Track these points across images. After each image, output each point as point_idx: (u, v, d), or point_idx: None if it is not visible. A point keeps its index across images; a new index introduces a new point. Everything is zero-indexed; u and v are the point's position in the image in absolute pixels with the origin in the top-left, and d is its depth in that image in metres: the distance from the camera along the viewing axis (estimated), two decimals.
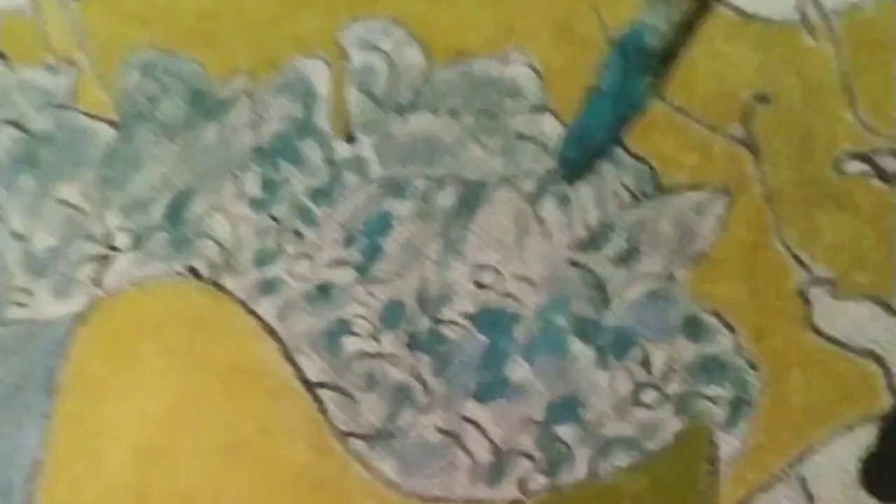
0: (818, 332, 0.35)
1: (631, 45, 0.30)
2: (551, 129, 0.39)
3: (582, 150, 0.34)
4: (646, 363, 0.36)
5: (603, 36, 0.40)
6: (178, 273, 0.37)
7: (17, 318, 0.37)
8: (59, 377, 0.36)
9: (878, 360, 0.36)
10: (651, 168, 0.39)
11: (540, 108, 0.40)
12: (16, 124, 0.41)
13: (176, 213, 0.38)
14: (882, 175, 0.38)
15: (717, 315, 0.36)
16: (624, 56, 0.31)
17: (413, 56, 0.41)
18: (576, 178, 0.36)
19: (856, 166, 0.39)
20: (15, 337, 0.36)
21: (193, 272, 0.37)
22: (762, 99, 0.40)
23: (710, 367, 0.35)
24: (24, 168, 0.39)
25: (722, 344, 0.35)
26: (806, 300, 0.36)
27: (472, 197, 0.38)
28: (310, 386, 0.36)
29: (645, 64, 0.30)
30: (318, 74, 0.41)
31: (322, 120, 0.40)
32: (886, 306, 0.36)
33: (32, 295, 0.37)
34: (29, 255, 0.37)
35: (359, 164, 0.39)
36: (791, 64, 0.40)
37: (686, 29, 0.30)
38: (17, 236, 0.38)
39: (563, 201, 0.38)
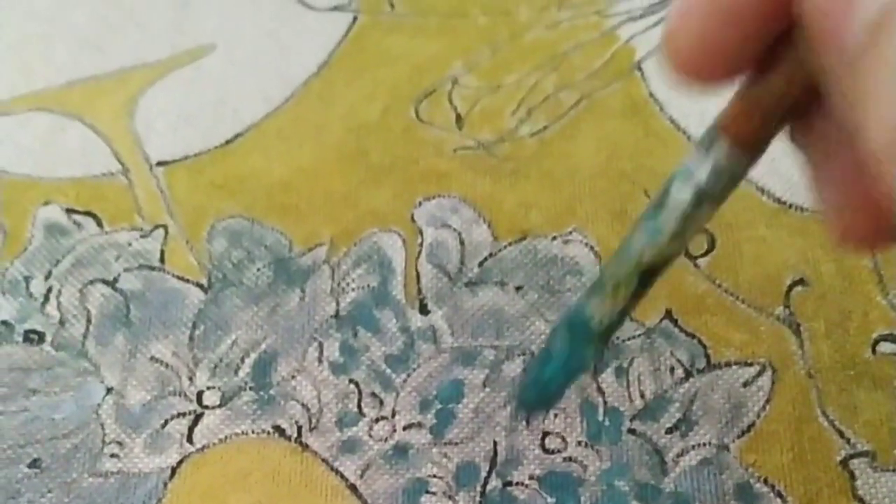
0: (862, 501, 0.39)
1: (576, 325, 0.32)
2: None
3: (537, 398, 0.36)
4: None
5: None
6: (265, 431, 0.41)
7: (112, 469, 0.40)
8: None
9: None
10: (702, 344, 0.43)
11: None
12: (108, 283, 0.44)
13: (262, 374, 0.42)
14: None
15: (767, 483, 0.40)
16: (570, 330, 0.33)
17: (481, 234, 0.46)
18: (533, 414, 0.41)
19: (889, 347, 0.43)
20: (110, 488, 0.39)
21: (279, 431, 0.41)
22: (802, 282, 0.44)
23: None
24: (118, 326, 0.43)
25: None
26: (850, 472, 0.40)
27: None
28: None
29: (588, 339, 0.32)
30: (394, 248, 0.46)
31: (398, 291, 0.44)
32: None
33: (126, 448, 0.40)
34: (122, 409, 0.41)
35: (432, 334, 0.43)
36: (828, 250, 0.45)
37: (620, 317, 0.32)
38: (111, 391, 0.41)
39: (621, 373, 0.42)
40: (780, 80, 0.26)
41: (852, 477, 0.40)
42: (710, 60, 0.26)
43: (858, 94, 0.23)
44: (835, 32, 0.22)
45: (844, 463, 0.41)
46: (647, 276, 0.30)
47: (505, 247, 0.45)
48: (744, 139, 0.28)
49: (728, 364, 0.43)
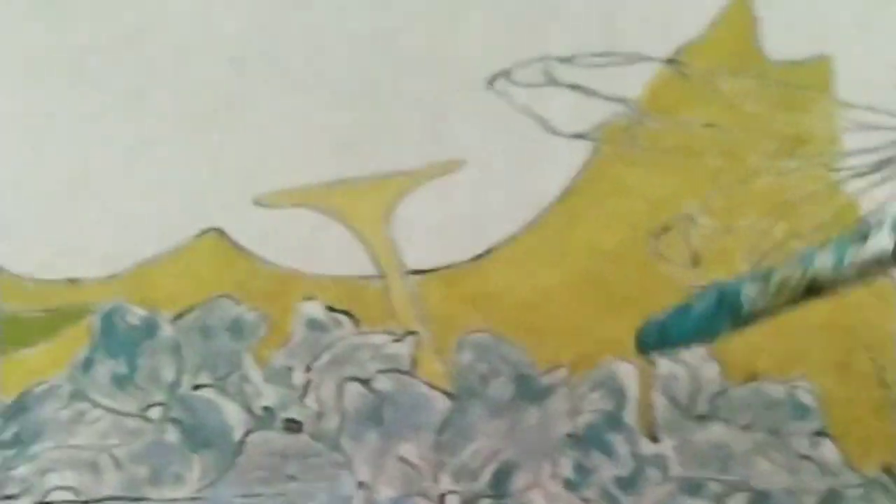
0: None
1: (728, 296, 0.35)
2: (830, 454, 0.47)
3: (657, 339, 0.41)
4: None
5: (876, 374, 0.48)
6: None
7: None
8: None
9: None
10: None
11: (821, 434, 0.48)
12: (363, 382, 0.49)
13: (500, 483, 0.46)
14: None
15: None
16: (719, 300, 0.36)
17: (711, 371, 0.49)
18: (646, 354, 0.45)
19: None
20: None
21: None
22: None
23: None
24: (370, 424, 0.47)
25: None
26: None
27: None
28: None
29: (732, 316, 0.36)
30: (629, 376, 0.50)
31: (630, 417, 0.48)
32: None
33: None
34: None
35: (661, 462, 0.47)
36: None
37: (769, 311, 0.35)
38: (363, 486, 0.46)
39: None
40: None
41: None
42: None
43: None
44: None
45: None
46: (814, 289, 0.34)
47: (734, 386, 0.49)
48: None
49: None
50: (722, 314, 0.37)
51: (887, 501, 0.45)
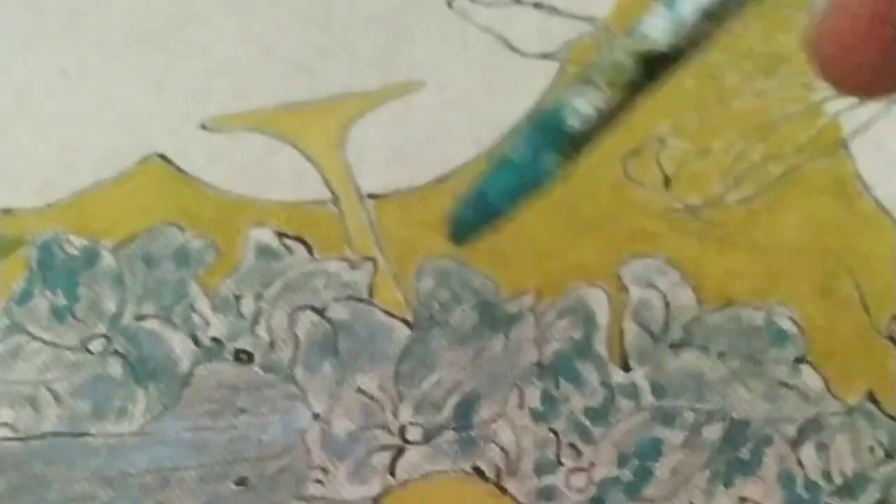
0: None
1: (549, 121, 0.28)
2: (812, 381, 0.46)
3: (476, 214, 0.31)
4: None
5: (859, 299, 0.47)
6: (465, 472, 0.43)
7: (316, 495, 0.43)
8: None
9: None
10: None
11: (801, 360, 0.46)
12: (317, 311, 0.47)
13: (464, 415, 0.44)
14: None
15: None
16: (539, 130, 0.28)
17: (685, 297, 0.48)
18: (464, 240, 0.32)
19: None
20: None
21: (479, 472, 0.43)
22: None
23: None
24: (325, 354, 0.45)
25: None
26: None
27: (737, 434, 0.44)
28: None
29: (559, 143, 0.28)
30: (599, 303, 0.48)
31: (600, 345, 0.47)
32: None
33: (330, 475, 0.43)
34: (328, 437, 0.43)
35: (633, 391, 0.45)
36: None
37: (608, 118, 0.28)
38: (318, 417, 0.44)
39: (822, 449, 0.44)
40: None
41: None
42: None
43: None
44: None
45: None
46: (652, 64, 0.27)
47: (709, 312, 0.47)
48: None
49: None
50: (547, 146, 0.29)
51: (870, 429, 0.43)
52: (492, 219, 0.31)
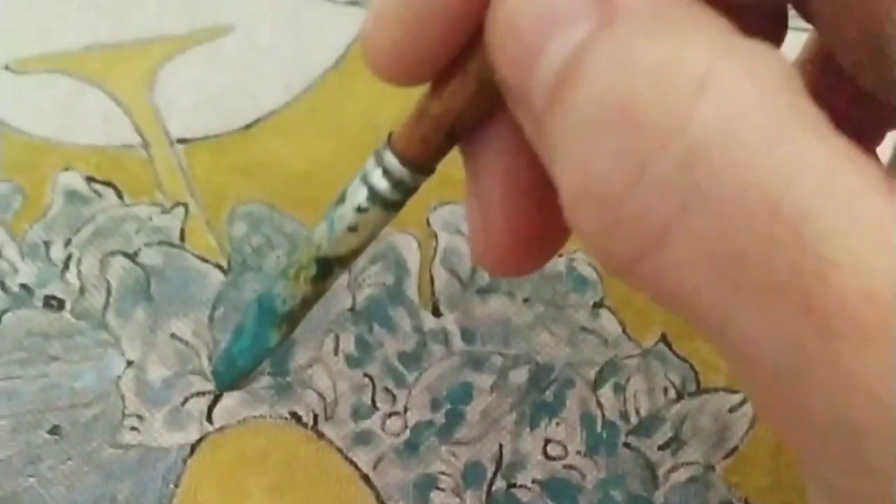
0: None
1: (266, 303, 0.38)
2: (610, 325, 0.48)
3: (229, 371, 0.43)
4: None
5: None
6: (282, 417, 0.44)
7: (132, 442, 0.43)
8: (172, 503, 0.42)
9: None
10: (693, 369, 0.48)
11: (600, 305, 0.49)
12: (129, 256, 0.47)
13: (280, 361, 0.45)
14: None
15: (748, 503, 0.44)
16: (259, 309, 0.39)
17: None
18: (229, 388, 0.44)
19: None
20: (130, 461, 0.42)
21: (296, 417, 0.44)
22: None
23: None
24: (138, 300, 0.46)
25: None
26: None
27: (542, 377, 0.47)
28: None
29: (275, 322, 0.39)
30: (409, 249, 0.49)
31: (412, 291, 0.48)
32: None
33: (146, 422, 0.43)
34: (142, 384, 0.44)
35: (444, 337, 0.47)
36: None
37: (310, 300, 0.38)
38: (132, 364, 0.44)
39: (619, 390, 0.47)
40: (452, 92, 0.28)
41: None
42: (404, 65, 0.28)
43: (546, 149, 0.22)
44: (520, 85, 0.22)
45: None
46: (325, 265, 0.36)
47: None
48: (409, 154, 0.32)
49: (716, 389, 0.47)
50: (266, 323, 0.40)
51: (662, 369, 0.46)
52: (241, 373, 0.43)
